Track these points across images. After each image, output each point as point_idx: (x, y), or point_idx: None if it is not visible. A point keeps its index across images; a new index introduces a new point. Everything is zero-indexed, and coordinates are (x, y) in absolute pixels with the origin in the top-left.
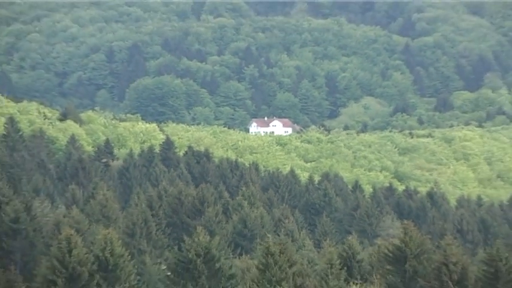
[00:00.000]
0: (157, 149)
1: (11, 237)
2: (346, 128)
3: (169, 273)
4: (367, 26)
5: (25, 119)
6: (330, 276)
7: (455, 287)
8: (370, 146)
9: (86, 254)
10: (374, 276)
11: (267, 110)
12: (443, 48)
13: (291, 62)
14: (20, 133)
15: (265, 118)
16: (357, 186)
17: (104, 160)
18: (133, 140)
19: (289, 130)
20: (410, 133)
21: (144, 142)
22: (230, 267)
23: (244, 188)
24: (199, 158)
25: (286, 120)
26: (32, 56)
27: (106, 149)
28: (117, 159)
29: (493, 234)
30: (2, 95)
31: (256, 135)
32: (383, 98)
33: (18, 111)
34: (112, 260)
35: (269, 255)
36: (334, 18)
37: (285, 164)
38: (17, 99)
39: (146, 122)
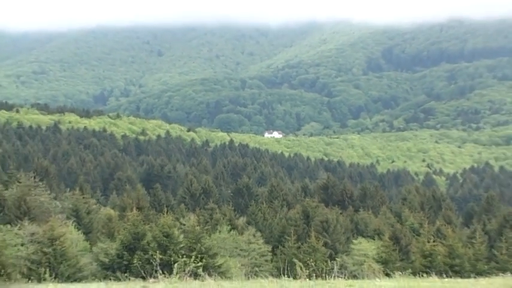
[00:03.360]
0: (227, 144)
1: (172, 180)
2: (303, 135)
3: (232, 194)
4: (312, 93)
5: (174, 132)
6: (297, 195)
7: (348, 199)
8: (313, 142)
9: (197, 185)
10: (315, 195)
11: (271, 127)
12: (344, 102)
13: (281, 107)
14: (171, 137)
15: (271, 130)
16: (308, 159)
17: (205, 148)
18: (217, 140)
19: (280, 136)
20: (330, 137)
21: (221, 141)
22: (257, 191)
23: (262, 159)
24: (244, 147)
25: (280, 131)
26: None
27: (206, 143)
28: (210, 147)
29: (364, 179)
30: (162, 121)
31: (266, 138)
32: (319, 123)
33: (171, 128)
34: (208, 188)
35: (273, 186)
36: (298, 89)
37: (278, 149)
38: (169, 123)
39: (222, 132)
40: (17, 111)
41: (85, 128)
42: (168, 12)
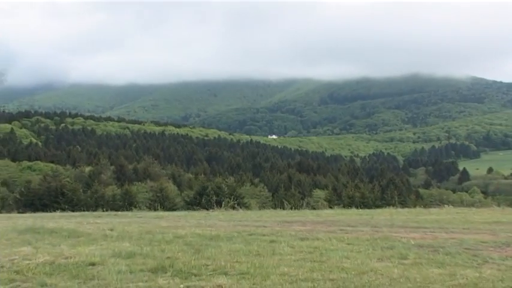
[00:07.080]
0: (249, 141)
1: (221, 160)
2: (288, 136)
3: (251, 167)
4: (292, 116)
5: (222, 135)
6: (285, 167)
7: (311, 169)
8: (293, 140)
9: (234, 162)
10: (294, 167)
11: (272, 132)
12: (308, 120)
13: (276, 123)
14: (221, 138)
15: (271, 134)
16: (290, 149)
17: (238, 143)
18: (244, 139)
19: (276, 137)
20: (301, 137)
21: (246, 140)
22: (264, 165)
23: (267, 149)
24: (257, 143)
25: (276, 134)
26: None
27: (238, 141)
28: (240, 143)
29: (318, 159)
30: (216, 130)
31: (269, 138)
32: (296, 130)
33: (221, 133)
34: (239, 163)
35: (272, 163)
36: (285, 114)
37: (275, 144)
38: (220, 130)
39: (246, 135)
40: (143, 125)
41: (177, 133)
42: (219, 73)
